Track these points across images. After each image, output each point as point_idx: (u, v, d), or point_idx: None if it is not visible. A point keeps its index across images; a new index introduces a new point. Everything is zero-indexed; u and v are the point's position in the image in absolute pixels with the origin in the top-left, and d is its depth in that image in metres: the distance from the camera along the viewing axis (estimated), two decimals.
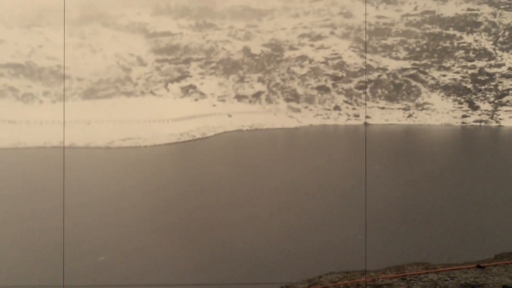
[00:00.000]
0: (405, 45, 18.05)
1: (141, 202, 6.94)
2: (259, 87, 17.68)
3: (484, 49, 17.19)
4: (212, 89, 17.37)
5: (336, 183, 8.05)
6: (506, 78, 15.70)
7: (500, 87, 15.45)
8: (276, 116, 15.87)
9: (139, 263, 4.51)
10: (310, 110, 16.26)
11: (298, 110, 16.25)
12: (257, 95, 17.43)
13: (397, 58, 17.02)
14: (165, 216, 6.31)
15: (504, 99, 15.07)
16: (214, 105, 16.19)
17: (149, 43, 21.64)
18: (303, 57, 17.95)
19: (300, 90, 16.74)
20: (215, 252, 4.82)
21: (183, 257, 4.70)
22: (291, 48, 18.88)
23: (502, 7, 19.88)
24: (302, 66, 17.54)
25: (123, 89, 17.43)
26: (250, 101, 17.07)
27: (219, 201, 6.90)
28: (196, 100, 16.58)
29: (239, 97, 17.27)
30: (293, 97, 16.74)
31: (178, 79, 18.06)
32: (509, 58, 16.10)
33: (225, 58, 19.02)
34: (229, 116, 15.03)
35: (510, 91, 15.10)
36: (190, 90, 17.27)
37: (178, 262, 4.89)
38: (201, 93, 17.10)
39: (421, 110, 14.94)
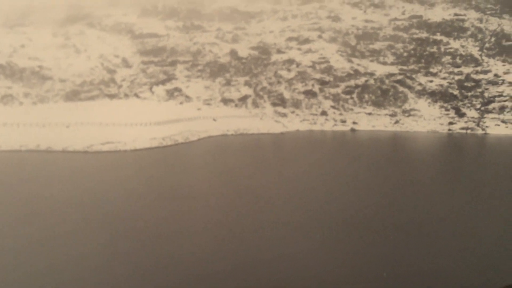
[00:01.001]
0: (392, 50, 17.90)
1: (114, 208, 6.77)
2: (245, 90, 17.44)
3: (471, 55, 17.23)
4: (198, 92, 17.12)
5: (320, 189, 8.01)
6: (492, 84, 15.81)
7: (486, 94, 15.49)
8: (262, 121, 15.69)
9: (118, 269, 4.48)
10: (297, 115, 16.11)
11: (285, 115, 16.12)
12: (244, 99, 17.20)
13: (384, 63, 16.94)
14: (139, 222, 6.20)
15: (490, 106, 15.09)
16: (199, 109, 15.98)
17: (135, 45, 21.24)
18: (290, 61, 17.79)
19: (287, 95, 16.55)
20: (187, 258, 4.90)
21: (157, 263, 4.65)
22: (279, 51, 18.69)
23: (488, 12, 20.52)
24: (289, 70, 17.37)
25: (107, 91, 17.14)
26: (236, 105, 16.91)
27: (193, 207, 6.79)
28: (181, 103, 16.40)
29: (225, 101, 17.11)
30: (280, 101, 16.54)
31: (163, 82, 17.93)
32: (495, 64, 16.47)
33: (212, 61, 18.73)
34: (214, 120, 14.79)
35: (496, 98, 15.22)
36: (176, 93, 17.08)
37: (155, 268, 4.86)
38: (187, 96, 16.88)
39: (408, 116, 14.82)
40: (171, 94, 17.04)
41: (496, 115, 14.73)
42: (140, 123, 13.08)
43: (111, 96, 16.65)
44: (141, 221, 6.12)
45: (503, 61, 17.13)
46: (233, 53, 18.98)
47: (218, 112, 15.97)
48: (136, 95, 16.94)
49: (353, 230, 5.76)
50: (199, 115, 15.21)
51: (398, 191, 7.87)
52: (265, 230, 5.82)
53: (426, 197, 7.39)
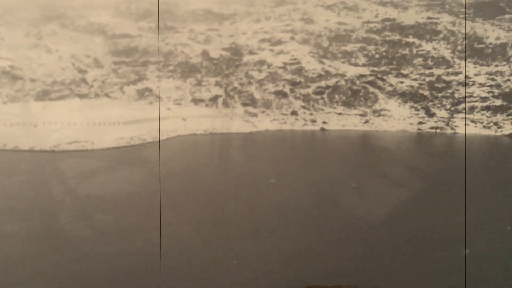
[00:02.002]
0: (364, 52, 17.87)
1: (77, 206, 6.62)
2: (216, 91, 17.24)
3: (443, 57, 17.28)
4: (168, 92, 16.92)
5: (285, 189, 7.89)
6: (463, 86, 15.79)
7: (456, 95, 15.52)
8: (232, 120, 15.61)
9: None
10: (267, 114, 15.92)
11: (255, 115, 15.95)
12: (214, 99, 17.04)
13: (356, 65, 16.95)
14: (101, 221, 6.06)
15: (460, 107, 15.12)
16: (168, 109, 15.85)
17: (107, 45, 20.93)
18: (262, 62, 17.58)
19: (257, 95, 16.37)
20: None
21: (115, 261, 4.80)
22: (251, 52, 18.50)
23: (461, 16, 20.56)
24: (260, 71, 17.19)
25: (77, 91, 16.98)
26: (206, 105, 16.80)
27: (153, 206, 6.60)
28: (151, 103, 16.28)
29: (196, 101, 16.91)
30: (250, 101, 16.37)
31: (134, 82, 17.71)
32: (466, 66, 16.30)
33: (183, 62, 18.54)
34: (184, 120, 14.64)
35: (467, 99, 15.07)
36: (146, 93, 16.96)
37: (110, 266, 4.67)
38: (157, 96, 16.69)
39: (378, 116, 14.87)
40: (142, 94, 16.87)
41: (466, 115, 14.52)
42: (109, 122, 12.92)
43: (82, 96, 16.49)
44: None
45: (475, 63, 16.74)
46: (204, 54, 18.75)
47: (188, 112, 15.74)
48: (107, 95, 16.83)
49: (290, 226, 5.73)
50: (169, 115, 15.09)
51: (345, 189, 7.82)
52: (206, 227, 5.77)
53: (369, 196, 7.35)
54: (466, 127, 14.16)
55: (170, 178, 8.62)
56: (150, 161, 10.79)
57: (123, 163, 10.68)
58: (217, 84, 17.67)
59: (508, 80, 19.17)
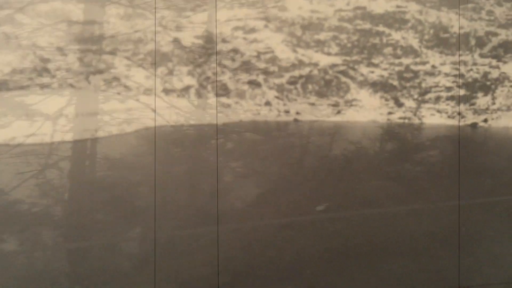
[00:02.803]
0: (337, 41, 19.82)
1: (33, 202, 6.50)
2: (188, 80, 18.16)
3: (411, 46, 19.87)
4: (137, 82, 18.11)
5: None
6: (429, 75, 17.95)
7: (423, 85, 17.48)
8: (205, 111, 16.19)
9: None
10: (241, 105, 16.70)
11: (228, 106, 16.59)
12: (186, 89, 17.80)
13: (328, 54, 18.76)
14: (53, 217, 6.03)
15: (427, 97, 16.83)
16: (137, 99, 16.46)
17: (72, 32, 21.46)
18: (235, 50, 18.88)
19: (231, 85, 17.42)
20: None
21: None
22: (224, 41, 19.68)
23: (428, 5, 23.43)
24: (233, 60, 18.42)
25: (39, 80, 17.56)
26: (178, 95, 17.58)
27: (100, 200, 6.57)
28: (118, 93, 16.99)
29: (167, 91, 17.59)
30: (224, 91, 17.08)
31: (101, 71, 18.45)
32: (433, 56, 18.94)
33: (153, 50, 19.61)
34: (153, 111, 14.97)
35: (433, 89, 17.07)
36: (114, 83, 17.67)
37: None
38: (125, 86, 17.66)
39: (350, 106, 16.28)
40: (109, 83, 17.47)
41: (432, 105, 16.56)
42: (74, 113, 13.28)
43: (43, 86, 16.79)
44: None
45: (440, 52, 19.09)
46: (176, 42, 19.98)
47: (159, 103, 16.38)
48: (71, 85, 16.96)
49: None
50: (138, 106, 15.81)
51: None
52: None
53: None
54: (432, 117, 16.52)
55: (134, 171, 8.44)
56: (112, 157, 10.73)
57: (82, 158, 10.53)
58: (189, 73, 19.21)
59: (471, 70, 19.24)
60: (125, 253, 4.68)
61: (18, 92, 12.86)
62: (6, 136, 10.64)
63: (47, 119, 12.36)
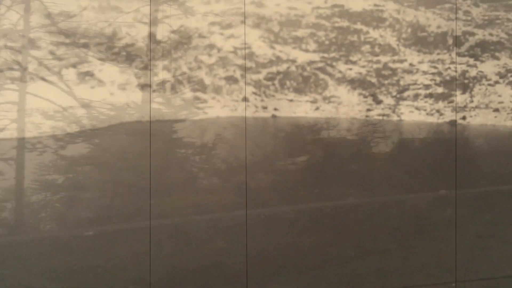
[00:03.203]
0: (314, 38, 19.98)
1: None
2: (164, 75, 18.06)
3: (389, 44, 20.20)
4: (112, 77, 17.83)
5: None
6: (407, 73, 18.31)
7: (401, 82, 17.82)
8: (181, 107, 16.10)
9: None
10: (218, 101, 16.69)
11: (205, 101, 16.57)
12: (162, 84, 17.66)
13: (306, 51, 18.94)
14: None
15: (405, 94, 17.18)
16: (112, 94, 16.19)
17: (45, 24, 21.04)
18: (211, 46, 18.86)
19: (207, 80, 17.36)
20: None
21: None
22: (200, 36, 19.64)
23: (405, 4, 23.88)
24: (210, 55, 18.41)
25: (10, 74, 17.19)
26: (154, 91, 17.45)
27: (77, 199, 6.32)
28: (92, 88, 16.73)
29: (142, 86, 17.44)
30: (200, 87, 17.00)
31: (74, 65, 18.14)
32: (410, 54, 19.34)
33: (128, 44, 19.50)
34: (128, 106, 14.84)
35: (411, 86, 17.41)
36: (87, 77, 17.37)
37: None
38: (99, 81, 17.35)
39: (328, 103, 16.46)
40: (83, 78, 17.19)
41: (410, 102, 16.93)
42: (44, 108, 12.93)
43: (14, 80, 16.45)
44: None
45: (418, 51, 19.50)
46: (151, 36, 19.82)
47: (133, 98, 16.19)
48: (43, 79, 16.62)
49: None
50: (112, 101, 15.51)
51: None
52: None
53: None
54: (411, 114, 16.87)
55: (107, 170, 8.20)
56: (86, 152, 10.52)
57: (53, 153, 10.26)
58: (165, 68, 19.15)
59: (449, 68, 19.80)
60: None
61: None
62: None
63: (18, 113, 11.73)
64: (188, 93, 16.37)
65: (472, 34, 14.93)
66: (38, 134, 8.88)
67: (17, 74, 15.05)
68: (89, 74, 15.97)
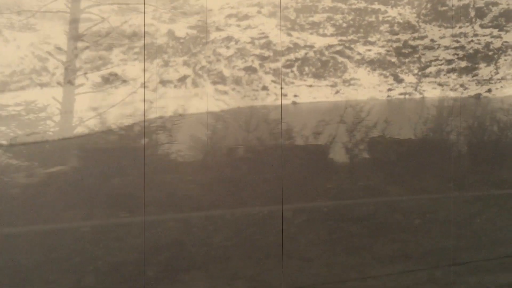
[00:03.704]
0: (331, 22, 19.77)
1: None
2: (184, 71, 18.20)
3: (408, 22, 19.71)
4: (134, 75, 18.15)
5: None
6: (429, 49, 17.79)
7: (423, 59, 17.39)
8: (202, 100, 16.19)
9: None
10: (238, 92, 16.70)
11: (226, 93, 16.63)
12: (183, 79, 17.82)
13: (324, 35, 18.75)
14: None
15: (427, 71, 16.72)
16: (135, 92, 16.50)
17: (68, 30, 21.45)
18: (229, 38, 18.86)
19: (226, 72, 17.40)
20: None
21: None
22: (218, 29, 19.68)
23: None
24: (228, 48, 18.46)
25: (39, 80, 17.68)
26: (175, 86, 17.61)
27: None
28: (116, 88, 17.08)
29: (164, 82, 17.62)
30: (220, 79, 17.08)
31: (98, 67, 18.44)
32: (431, 30, 18.81)
33: (148, 43, 19.66)
34: (151, 102, 15.05)
35: (433, 63, 16.93)
36: (111, 78, 17.70)
37: None
38: (123, 80, 17.72)
39: (348, 86, 16.24)
40: (107, 79, 17.52)
41: (432, 79, 16.53)
42: (71, 110, 13.28)
43: (43, 85, 16.95)
44: None
45: (439, 26, 18.95)
46: (170, 34, 19.98)
47: (156, 94, 16.47)
48: (70, 82, 17.06)
49: None
50: (135, 99, 15.75)
51: None
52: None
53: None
54: (433, 90, 16.47)
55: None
56: (113, 150, 10.75)
57: (83, 152, 10.48)
58: (185, 63, 19.32)
59: (472, 41, 19.20)
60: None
61: (18, 93, 12.69)
62: (8, 136, 10.61)
63: (47, 116, 12.13)
64: (208, 86, 16.54)
65: (496, 4, 14.50)
66: (67, 135, 9.20)
67: (45, 79, 15.56)
68: (113, 74, 16.31)
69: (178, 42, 15.75)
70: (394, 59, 15.01)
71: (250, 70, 15.87)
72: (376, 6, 18.20)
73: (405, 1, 18.81)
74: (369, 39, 15.87)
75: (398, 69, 14.69)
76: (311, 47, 15.88)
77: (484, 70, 14.94)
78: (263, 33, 16.67)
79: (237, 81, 15.30)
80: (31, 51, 13.58)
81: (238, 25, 16.73)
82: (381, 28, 16.92)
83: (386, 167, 5.26)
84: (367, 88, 13.91)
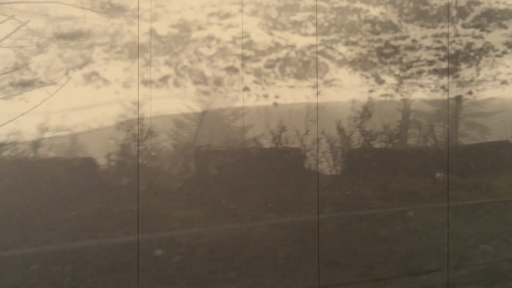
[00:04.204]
0: (313, 21, 19.46)
1: None
2: (166, 70, 18.02)
3: (390, 21, 19.62)
4: (116, 75, 17.88)
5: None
6: (410, 50, 17.77)
7: (404, 60, 17.33)
8: (184, 100, 16.04)
9: None
10: (219, 92, 16.56)
11: (207, 93, 16.47)
12: (164, 79, 17.60)
13: (305, 35, 18.53)
14: None
15: (408, 72, 16.70)
16: (117, 92, 16.32)
17: (50, 29, 21.10)
18: (210, 37, 18.61)
19: (208, 72, 17.26)
20: None
21: None
22: (199, 28, 19.39)
23: None
24: (210, 47, 18.24)
25: (20, 79, 17.40)
26: (157, 86, 17.45)
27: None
28: (98, 87, 16.86)
29: (145, 82, 17.40)
30: (201, 79, 16.85)
31: (80, 66, 18.19)
32: (413, 30, 18.78)
33: (130, 42, 19.43)
34: (133, 103, 14.89)
35: (414, 64, 16.91)
36: (93, 77, 17.47)
37: None
38: (105, 80, 17.46)
39: (330, 86, 16.15)
40: (89, 78, 17.31)
41: (414, 80, 16.51)
42: (52, 111, 13.13)
43: (25, 84, 16.69)
44: None
45: (421, 25, 18.87)
46: (152, 32, 19.71)
47: (137, 94, 16.31)
48: (52, 82, 16.83)
49: None
50: (117, 99, 15.62)
51: None
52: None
53: None
54: (414, 92, 16.47)
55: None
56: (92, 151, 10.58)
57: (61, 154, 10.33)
58: (167, 63, 19.09)
59: (453, 41, 19.20)
60: None
61: None
62: None
63: (26, 117, 11.88)
64: (190, 87, 16.26)
65: (478, 3, 14.55)
66: (47, 135, 9.09)
67: (27, 78, 15.24)
68: (95, 74, 16.06)
69: (160, 41, 15.39)
70: (375, 60, 14.98)
71: (231, 70, 15.62)
72: (358, 5, 18.13)
73: (387, 0, 18.68)
74: (351, 39, 15.80)
75: (380, 70, 14.67)
76: (293, 47, 15.78)
77: (465, 72, 14.93)
78: (244, 32, 16.50)
79: (218, 82, 15.00)
80: (12, 50, 13.03)
81: (220, 24, 16.50)
82: (363, 27, 16.87)
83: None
84: (348, 89, 13.86)
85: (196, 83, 15.11)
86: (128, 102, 13.49)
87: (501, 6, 13.86)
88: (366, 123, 9.37)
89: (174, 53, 15.69)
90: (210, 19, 16.27)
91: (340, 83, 14.65)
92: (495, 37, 13.80)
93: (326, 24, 16.79)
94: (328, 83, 15.32)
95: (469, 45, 14.26)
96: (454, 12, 15.72)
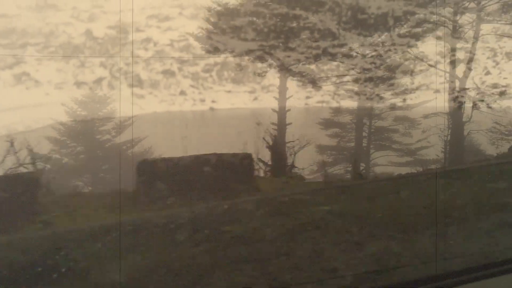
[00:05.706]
0: (253, 26, 19.78)
1: None
2: (100, 72, 17.73)
3: (328, 29, 20.11)
4: (48, 76, 17.36)
5: None
6: (347, 58, 18.25)
7: (341, 68, 17.86)
8: (118, 103, 15.84)
9: None
10: (155, 96, 16.56)
11: (142, 96, 16.43)
12: (98, 81, 17.32)
13: (245, 40, 18.78)
14: None
15: (345, 79, 17.19)
16: (47, 94, 15.80)
17: None
18: (148, 40, 18.57)
19: (144, 75, 17.19)
20: None
21: None
22: (137, 30, 19.31)
23: None
24: (146, 49, 18.20)
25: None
26: (90, 88, 17.10)
27: None
28: (27, 88, 16.30)
29: (79, 84, 17.05)
30: (137, 82, 16.77)
31: (11, 66, 17.65)
32: (351, 38, 19.42)
33: (65, 42, 18.94)
34: (63, 105, 14.55)
35: (351, 71, 17.47)
36: (23, 78, 16.96)
37: None
38: (36, 81, 16.88)
39: (267, 92, 16.51)
40: (19, 78, 16.73)
41: (350, 87, 17.08)
42: None
43: None
44: None
45: (358, 34, 19.47)
46: (88, 33, 19.30)
47: (70, 96, 15.85)
48: None
49: None
50: (48, 101, 15.11)
51: None
52: None
53: None
54: (350, 100, 17.07)
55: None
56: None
57: None
58: (102, 65, 18.79)
59: (389, 50, 20.04)
60: None
61: None
62: None
63: None
64: (125, 89, 15.57)
65: (413, 13, 14.88)
66: None
67: None
68: (26, 74, 15.03)
69: (96, 43, 14.52)
70: (313, 67, 15.01)
71: (168, 73, 15.02)
72: (297, 11, 18.17)
73: (326, 7, 18.90)
74: (289, 45, 15.75)
75: (317, 77, 14.77)
76: (231, 51, 15.57)
77: (401, 80, 15.15)
78: (183, 35, 15.82)
79: (154, 85, 14.38)
80: None
81: (158, 27, 15.82)
82: (302, 34, 16.89)
83: None
84: (285, 95, 13.84)
85: (131, 86, 14.27)
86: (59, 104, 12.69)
87: (436, 18, 14.21)
88: None
89: (110, 55, 14.84)
90: (149, 21, 15.41)
91: (278, 89, 14.46)
92: (429, 47, 13.87)
93: (265, 30, 16.63)
94: (265, 88, 15.06)
95: (404, 54, 14.49)
96: (391, 22, 15.90)
